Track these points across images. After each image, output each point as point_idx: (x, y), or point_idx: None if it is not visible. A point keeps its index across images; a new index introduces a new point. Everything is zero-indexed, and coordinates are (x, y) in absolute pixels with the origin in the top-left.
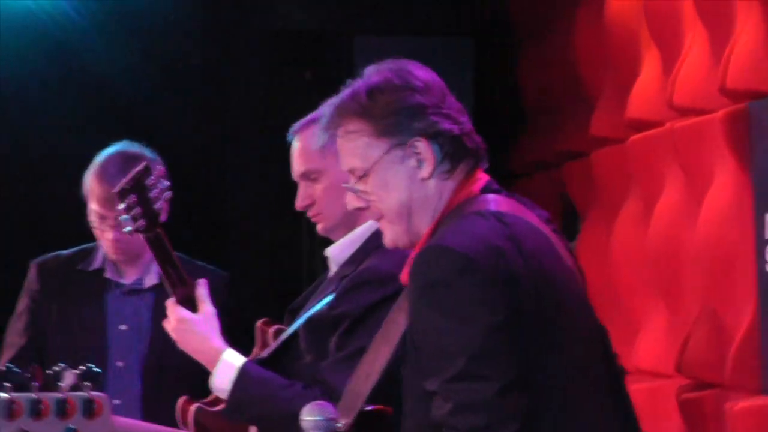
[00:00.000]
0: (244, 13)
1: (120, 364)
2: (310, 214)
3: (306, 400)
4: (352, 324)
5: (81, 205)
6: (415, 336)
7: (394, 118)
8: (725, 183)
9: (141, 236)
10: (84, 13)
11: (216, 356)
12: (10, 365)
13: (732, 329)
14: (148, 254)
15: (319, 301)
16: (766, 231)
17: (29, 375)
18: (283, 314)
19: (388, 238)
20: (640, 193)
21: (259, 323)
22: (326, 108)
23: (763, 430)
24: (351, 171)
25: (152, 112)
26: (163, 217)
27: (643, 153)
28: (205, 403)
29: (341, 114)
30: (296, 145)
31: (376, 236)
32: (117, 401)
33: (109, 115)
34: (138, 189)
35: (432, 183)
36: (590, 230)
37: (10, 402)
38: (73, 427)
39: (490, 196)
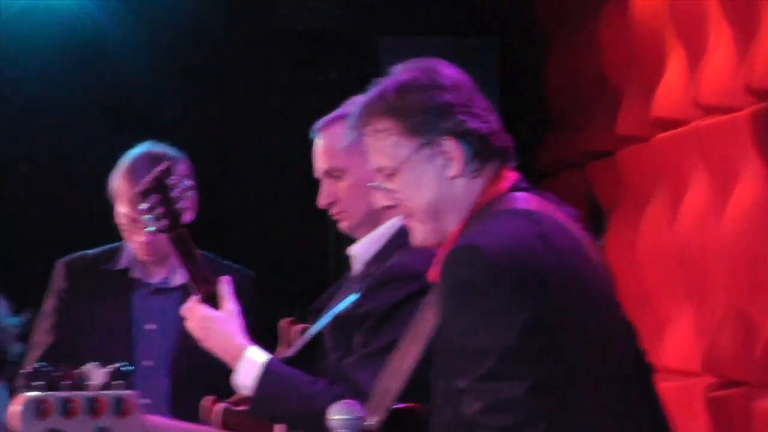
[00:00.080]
0: (270, 15)
1: (148, 363)
2: (333, 212)
3: (330, 396)
4: (377, 322)
5: (107, 206)
6: (445, 335)
7: (422, 116)
8: (751, 181)
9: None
10: (110, 14)
11: (239, 353)
12: (41, 363)
13: (759, 327)
14: None
15: (343, 300)
16: None
17: (59, 374)
18: (307, 314)
19: (417, 237)
20: (666, 191)
21: (283, 322)
22: (354, 106)
23: None
24: (379, 169)
25: (172, 112)
26: (190, 217)
27: (669, 152)
28: (231, 403)
29: (369, 112)
30: (320, 143)
31: (400, 234)
32: (146, 400)
33: (130, 116)
34: (160, 188)
35: (460, 182)
36: (616, 229)
37: (41, 401)
38: (103, 425)
39: (519, 195)
